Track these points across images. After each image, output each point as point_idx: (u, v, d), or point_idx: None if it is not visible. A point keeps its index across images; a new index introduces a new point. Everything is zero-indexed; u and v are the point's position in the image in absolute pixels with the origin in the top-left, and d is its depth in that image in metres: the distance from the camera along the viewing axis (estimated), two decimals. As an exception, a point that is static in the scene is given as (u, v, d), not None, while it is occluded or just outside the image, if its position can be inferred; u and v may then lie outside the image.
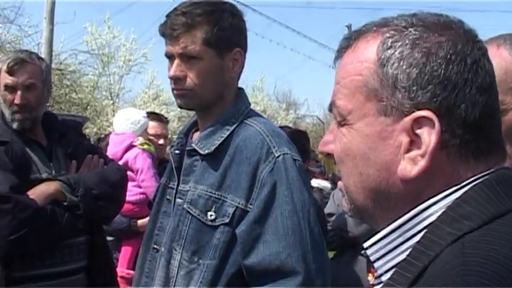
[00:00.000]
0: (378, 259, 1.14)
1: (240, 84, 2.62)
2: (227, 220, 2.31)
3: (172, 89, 2.46)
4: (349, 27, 38.32)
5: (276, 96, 40.12)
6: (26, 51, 3.65)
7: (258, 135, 2.39)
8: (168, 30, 2.41)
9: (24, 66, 3.39)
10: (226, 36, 2.45)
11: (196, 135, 2.58)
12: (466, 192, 1.06)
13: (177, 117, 27.38)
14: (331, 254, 5.02)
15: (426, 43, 1.08)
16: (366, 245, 1.16)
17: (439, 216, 1.06)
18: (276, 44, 49.46)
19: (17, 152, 3.27)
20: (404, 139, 1.08)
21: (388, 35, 1.12)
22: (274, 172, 2.31)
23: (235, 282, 2.32)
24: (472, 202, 1.04)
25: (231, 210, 2.31)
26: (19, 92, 3.35)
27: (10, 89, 3.36)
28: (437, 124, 1.05)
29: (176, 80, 2.41)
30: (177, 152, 2.61)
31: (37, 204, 3.15)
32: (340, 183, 1.26)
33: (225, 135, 2.42)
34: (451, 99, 1.06)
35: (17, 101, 3.34)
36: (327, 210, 5.58)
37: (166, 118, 6.61)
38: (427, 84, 1.06)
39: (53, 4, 16.54)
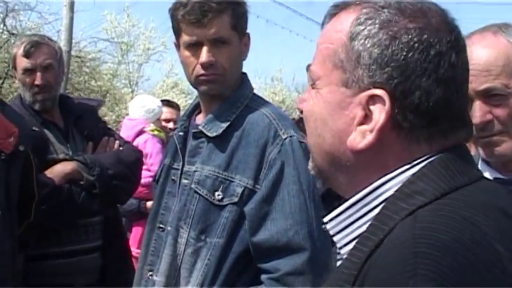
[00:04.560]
0: (337, 233, 1.21)
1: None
2: (236, 199, 2.38)
3: (199, 76, 2.47)
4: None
5: (295, 87, 39.97)
6: (37, 34, 3.74)
7: (265, 118, 2.45)
8: (197, 16, 2.40)
9: (40, 47, 3.49)
10: (244, 21, 2.54)
11: (199, 118, 2.64)
12: (420, 169, 1.12)
13: (195, 105, 27.37)
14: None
15: (394, 26, 1.13)
16: (325, 219, 1.23)
17: (395, 192, 1.12)
18: (296, 35, 49.22)
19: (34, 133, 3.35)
20: (359, 112, 1.14)
21: (365, 10, 1.17)
22: (281, 153, 2.38)
23: (242, 260, 2.39)
24: (425, 179, 1.10)
25: (239, 190, 2.37)
26: (38, 73, 3.44)
27: (29, 71, 3.46)
28: (387, 104, 1.11)
29: (208, 66, 2.43)
30: (180, 133, 2.66)
31: (54, 182, 3.25)
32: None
33: (232, 119, 2.48)
34: (407, 85, 1.11)
35: (37, 81, 3.44)
36: None
37: (177, 104, 6.85)
38: (385, 66, 1.11)
39: (74, -8, 16.64)
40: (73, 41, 18.64)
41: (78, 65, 22.34)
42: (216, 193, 2.41)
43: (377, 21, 1.15)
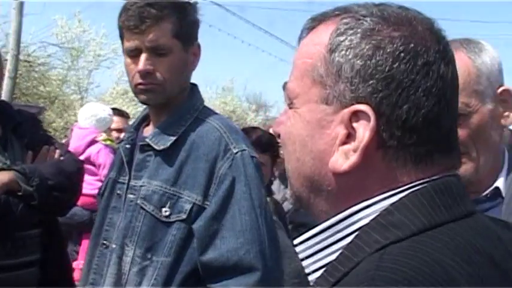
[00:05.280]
0: (307, 257, 1.10)
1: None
2: (184, 216, 2.28)
3: (137, 84, 2.37)
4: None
5: (246, 97, 40.08)
6: None
7: (215, 132, 2.36)
8: (135, 23, 2.31)
9: None
10: (191, 29, 2.44)
11: (147, 130, 2.54)
12: (401, 199, 1.02)
13: (145, 113, 27.26)
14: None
15: (377, 36, 1.04)
16: (296, 242, 1.12)
17: (370, 222, 1.02)
18: (248, 45, 49.45)
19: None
20: (342, 131, 1.05)
21: (345, 21, 1.08)
22: (232, 168, 2.29)
23: (190, 280, 2.28)
24: (404, 210, 1.00)
25: (188, 207, 2.27)
26: None
27: None
28: (372, 120, 1.01)
29: (145, 75, 2.33)
30: (127, 146, 2.54)
31: (-10, 193, 3.07)
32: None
33: (181, 131, 2.38)
34: (393, 98, 1.01)
35: None
36: None
37: (127, 113, 6.73)
38: (369, 78, 1.02)
39: (23, -6, 16.35)
40: (22, 45, 18.31)
41: (26, 69, 21.97)
42: (163, 209, 2.30)
43: (359, 30, 1.05)
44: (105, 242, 2.49)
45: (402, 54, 1.02)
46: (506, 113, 1.97)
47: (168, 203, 2.30)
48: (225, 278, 2.23)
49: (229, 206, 2.27)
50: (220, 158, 2.31)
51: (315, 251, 1.08)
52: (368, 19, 1.06)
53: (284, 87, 1.10)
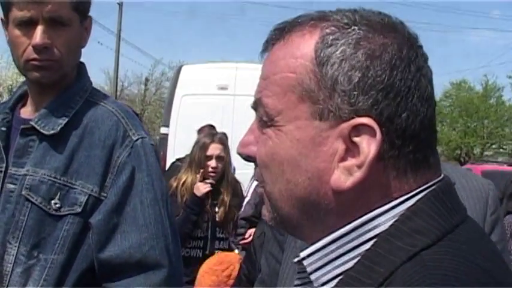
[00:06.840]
0: (315, 270, 1.04)
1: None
2: (79, 210, 2.06)
3: (30, 60, 2.09)
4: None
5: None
6: None
7: (112, 116, 2.16)
8: None
9: None
10: (88, 2, 2.22)
11: (25, 111, 2.27)
12: (415, 203, 1.00)
13: None
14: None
15: (370, 44, 1.00)
16: (302, 254, 1.06)
17: (388, 229, 0.99)
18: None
19: None
20: (340, 146, 1.00)
21: (328, 31, 1.02)
22: (132, 157, 2.12)
23: (87, 279, 2.08)
24: (423, 215, 0.98)
25: (83, 199, 2.07)
26: None
27: None
28: (378, 133, 0.97)
29: (42, 50, 2.07)
30: (3, 129, 2.23)
31: None
32: (260, 189, 1.17)
33: (71, 114, 2.15)
34: (393, 108, 0.98)
35: None
36: None
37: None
38: (369, 90, 0.98)
39: None
40: None
41: None
42: (53, 201, 2.07)
43: (350, 40, 1.00)
44: None
45: (398, 62, 0.99)
46: None
47: (58, 194, 2.07)
48: (128, 276, 2.05)
49: (129, 197, 2.08)
50: (118, 145, 2.11)
51: (326, 262, 1.03)
52: (355, 28, 1.01)
53: (255, 104, 0.97)
